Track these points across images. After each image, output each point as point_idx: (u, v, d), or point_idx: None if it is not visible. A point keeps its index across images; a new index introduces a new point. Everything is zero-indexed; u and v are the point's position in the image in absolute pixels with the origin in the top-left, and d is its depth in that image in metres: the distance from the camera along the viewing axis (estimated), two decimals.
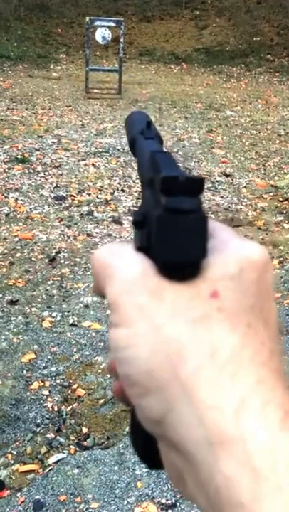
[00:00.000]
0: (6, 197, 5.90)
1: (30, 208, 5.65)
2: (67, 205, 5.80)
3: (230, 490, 0.27)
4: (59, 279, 4.31)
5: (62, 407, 3.00)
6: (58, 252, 4.73)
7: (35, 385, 3.14)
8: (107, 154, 7.41)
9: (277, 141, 8.73)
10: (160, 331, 0.30)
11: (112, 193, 6.13)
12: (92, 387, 3.13)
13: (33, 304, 3.96)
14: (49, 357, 3.38)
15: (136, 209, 0.36)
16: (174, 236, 0.30)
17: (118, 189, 6.25)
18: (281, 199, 6.27)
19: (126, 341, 0.31)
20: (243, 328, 0.30)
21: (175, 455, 0.30)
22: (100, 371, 3.27)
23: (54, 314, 3.85)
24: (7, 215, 5.46)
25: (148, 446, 0.35)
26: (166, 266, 0.31)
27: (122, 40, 11.42)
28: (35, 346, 3.47)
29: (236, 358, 0.29)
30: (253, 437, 0.27)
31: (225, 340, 0.29)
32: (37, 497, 2.46)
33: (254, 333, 0.30)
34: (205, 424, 0.28)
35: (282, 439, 0.27)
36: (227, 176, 6.98)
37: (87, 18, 11.32)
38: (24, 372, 3.23)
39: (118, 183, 6.42)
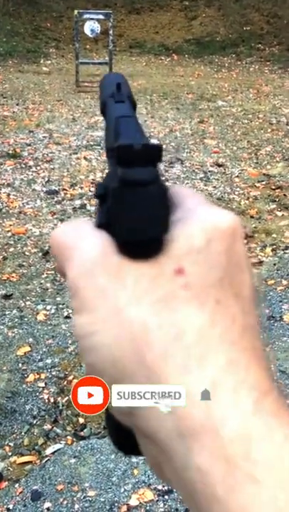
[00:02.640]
0: None
1: (23, 203, 5.65)
2: (60, 198, 5.79)
3: (204, 483, 0.25)
4: (53, 272, 4.32)
5: (59, 399, 3.02)
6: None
7: (31, 377, 3.15)
8: (99, 147, 7.40)
9: (269, 130, 8.73)
10: (122, 315, 0.28)
11: None
12: None
13: (28, 298, 3.96)
14: (44, 349, 3.40)
15: (100, 182, 0.34)
16: (131, 211, 0.28)
17: None
18: (273, 187, 6.27)
19: (88, 328, 0.29)
20: (212, 304, 0.28)
21: (150, 445, 0.29)
22: None
23: (48, 307, 3.86)
24: (0, 210, 5.46)
25: (121, 433, 0.33)
26: (126, 244, 0.29)
27: (111, 32, 11.37)
28: (31, 339, 3.48)
29: (204, 339, 0.27)
30: (224, 424, 0.26)
31: (192, 321, 0.28)
32: (35, 487, 2.48)
33: (224, 309, 0.29)
34: (174, 413, 0.27)
35: (256, 424, 0.26)
36: (219, 165, 6.98)
37: (76, 12, 11.27)
38: (20, 365, 3.25)
39: None
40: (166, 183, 0.30)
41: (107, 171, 0.36)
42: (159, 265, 0.29)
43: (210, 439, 0.26)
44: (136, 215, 0.28)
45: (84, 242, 0.31)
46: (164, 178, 0.29)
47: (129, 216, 0.28)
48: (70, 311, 3.81)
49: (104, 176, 0.35)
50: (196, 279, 0.29)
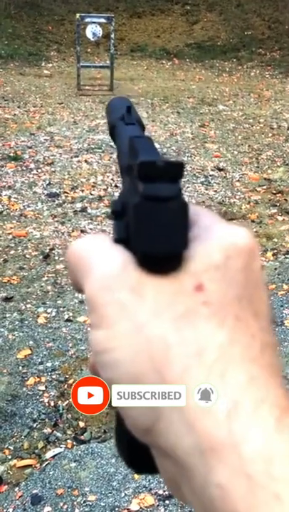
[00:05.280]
0: None
1: (24, 206, 5.64)
2: (61, 201, 5.79)
3: (224, 500, 0.25)
4: (53, 275, 4.31)
5: (59, 402, 3.01)
6: (52, 249, 4.73)
7: (31, 380, 3.14)
8: (100, 151, 7.41)
9: (270, 135, 8.74)
10: (142, 331, 0.28)
11: (105, 189, 6.13)
12: None
13: (28, 301, 3.96)
14: (45, 352, 3.39)
15: (115, 198, 0.34)
16: (152, 226, 0.28)
17: (111, 185, 6.25)
18: (274, 192, 6.28)
19: (107, 344, 0.29)
20: (232, 321, 0.28)
21: (168, 463, 0.29)
22: None
23: (49, 310, 3.85)
24: (0, 212, 5.45)
25: (135, 451, 0.32)
26: (146, 258, 0.29)
27: (112, 36, 11.39)
28: (31, 342, 3.47)
29: (225, 356, 0.27)
30: (246, 442, 0.25)
31: (212, 338, 0.27)
32: (35, 491, 2.47)
33: (243, 325, 0.28)
34: (195, 430, 0.26)
35: (278, 441, 0.26)
36: (220, 170, 6.98)
37: (78, 15, 11.28)
38: (20, 368, 3.24)
39: (111, 179, 6.42)
40: (187, 200, 0.29)
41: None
42: (179, 281, 0.29)
43: (231, 456, 0.25)
44: (157, 230, 0.28)
45: (103, 257, 0.30)
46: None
47: (151, 231, 0.28)
48: (71, 314, 3.81)
49: (119, 192, 0.36)
50: (216, 296, 0.28)
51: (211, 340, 0.27)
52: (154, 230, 0.28)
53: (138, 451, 0.32)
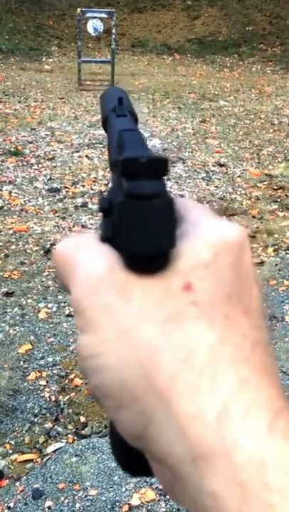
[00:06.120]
0: None
1: (25, 201, 5.64)
2: (62, 196, 5.79)
3: (217, 508, 0.24)
4: (54, 270, 4.30)
5: (60, 397, 3.01)
6: (52, 244, 4.72)
7: (32, 375, 3.14)
8: (101, 146, 7.39)
9: (271, 130, 8.72)
10: (130, 335, 0.27)
11: (106, 184, 6.12)
12: None
13: (29, 296, 3.96)
14: (46, 347, 3.39)
15: (104, 195, 0.33)
16: (137, 225, 0.27)
17: None
18: (275, 187, 6.27)
19: (93, 349, 0.28)
20: (221, 320, 0.27)
21: (162, 468, 0.28)
22: None
23: (50, 305, 3.85)
24: (1, 207, 5.45)
25: (128, 454, 0.32)
26: (132, 259, 0.28)
27: (114, 31, 11.35)
28: (32, 337, 3.47)
29: (215, 358, 0.26)
30: (238, 448, 0.25)
31: (201, 340, 0.27)
32: (36, 486, 2.47)
33: (234, 324, 0.28)
34: (186, 437, 0.25)
35: (271, 447, 0.25)
36: (221, 165, 6.97)
37: (79, 10, 11.25)
38: (21, 363, 3.24)
39: None
40: (172, 196, 0.29)
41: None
42: (166, 281, 0.28)
43: (223, 463, 0.25)
44: (142, 228, 0.27)
45: (88, 258, 0.30)
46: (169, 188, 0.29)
47: (136, 230, 0.28)
48: (72, 309, 3.80)
49: (108, 188, 0.35)
50: (204, 295, 0.28)
51: (200, 342, 0.27)
52: (139, 228, 0.27)
53: (132, 454, 0.31)
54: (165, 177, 0.29)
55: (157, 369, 0.26)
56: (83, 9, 11.64)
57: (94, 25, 11.47)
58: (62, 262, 0.31)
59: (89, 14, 11.45)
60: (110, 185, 0.35)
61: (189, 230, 0.30)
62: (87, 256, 0.30)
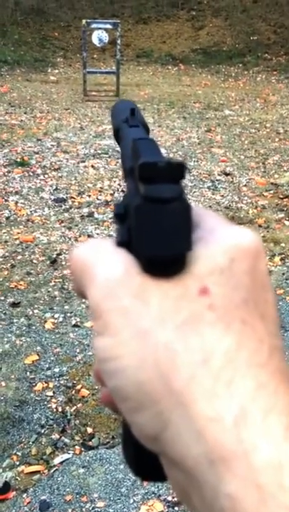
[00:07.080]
0: (6, 200, 5.90)
1: (31, 211, 5.65)
2: (68, 207, 5.80)
3: (235, 511, 0.25)
4: (61, 280, 4.31)
5: (67, 408, 3.00)
6: (59, 254, 4.73)
7: (39, 386, 3.13)
8: (107, 156, 7.42)
9: (277, 139, 8.73)
10: (147, 338, 0.27)
11: (112, 194, 6.13)
12: (96, 388, 3.13)
13: (36, 306, 3.95)
14: (52, 358, 3.38)
15: (118, 201, 0.34)
16: (154, 228, 0.28)
17: (118, 190, 6.25)
18: (281, 196, 6.26)
19: (111, 351, 0.28)
20: (238, 325, 0.27)
21: (177, 471, 0.28)
22: None
23: (56, 316, 3.84)
24: (8, 218, 5.46)
25: (141, 458, 0.32)
26: (148, 262, 0.28)
27: (118, 42, 11.43)
28: (38, 348, 3.47)
29: (232, 362, 0.27)
30: (256, 451, 0.25)
31: (218, 343, 0.27)
32: (43, 497, 2.45)
33: (250, 330, 0.28)
34: (204, 439, 0.26)
35: (288, 451, 0.25)
36: (227, 174, 6.98)
37: (84, 21, 11.33)
38: (28, 373, 3.23)
39: (118, 184, 6.42)
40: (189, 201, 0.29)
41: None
42: (183, 284, 0.28)
43: (241, 466, 0.25)
44: (159, 232, 0.28)
45: (105, 262, 0.30)
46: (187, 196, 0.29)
47: (153, 233, 0.28)
48: (78, 319, 3.80)
49: (123, 195, 0.35)
50: (221, 299, 0.28)
51: (217, 346, 0.27)
52: (156, 232, 0.28)
53: (145, 459, 0.31)
54: (183, 182, 0.29)
55: (174, 372, 0.27)
56: (88, 20, 11.73)
57: (99, 36, 11.56)
58: (78, 266, 0.32)
59: (94, 25, 11.54)
60: (125, 192, 0.35)
61: (205, 236, 0.30)
62: (104, 260, 0.30)
